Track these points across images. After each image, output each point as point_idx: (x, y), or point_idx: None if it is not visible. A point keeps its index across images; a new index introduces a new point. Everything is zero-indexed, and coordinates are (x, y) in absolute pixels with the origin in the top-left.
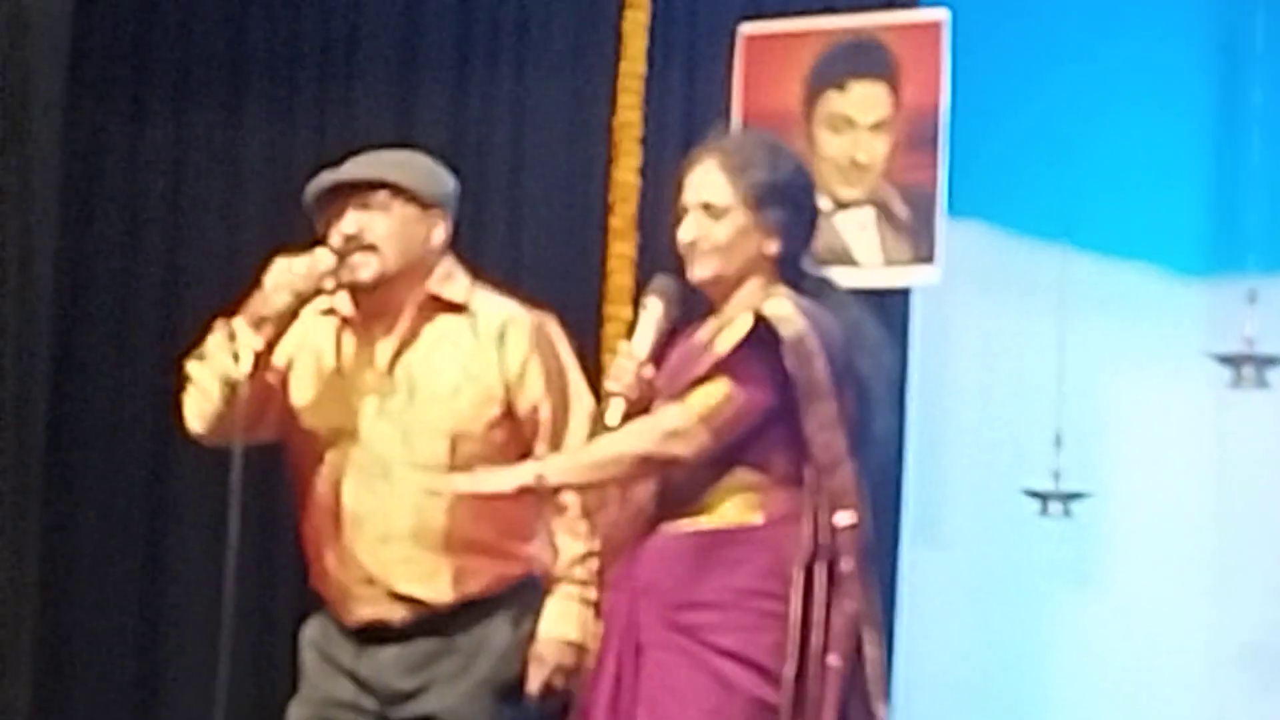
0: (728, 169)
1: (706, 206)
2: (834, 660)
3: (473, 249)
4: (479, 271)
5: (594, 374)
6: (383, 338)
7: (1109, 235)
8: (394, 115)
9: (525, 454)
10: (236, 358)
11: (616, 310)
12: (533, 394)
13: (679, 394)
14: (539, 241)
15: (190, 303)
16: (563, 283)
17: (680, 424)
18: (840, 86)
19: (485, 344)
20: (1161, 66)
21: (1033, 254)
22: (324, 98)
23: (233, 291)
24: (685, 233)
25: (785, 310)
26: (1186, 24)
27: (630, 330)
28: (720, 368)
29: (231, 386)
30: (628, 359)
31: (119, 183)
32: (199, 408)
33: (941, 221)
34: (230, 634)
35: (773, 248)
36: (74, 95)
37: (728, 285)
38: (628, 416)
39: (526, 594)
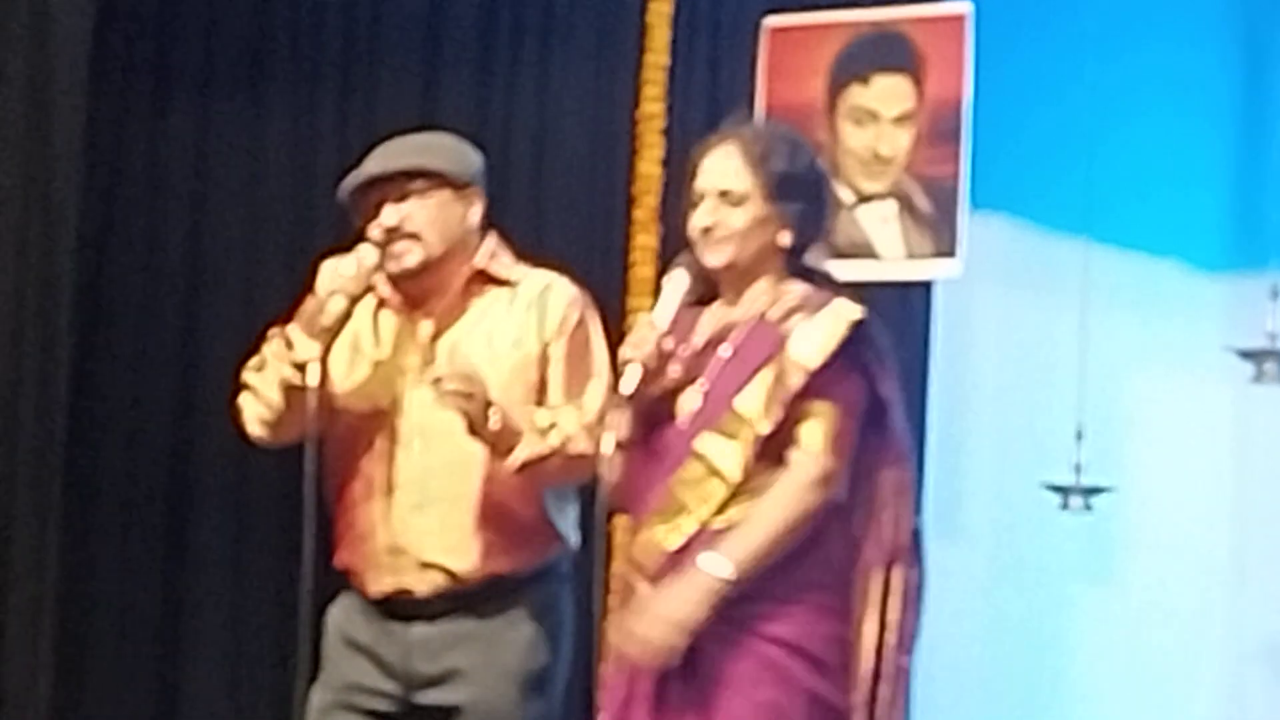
0: (747, 157)
1: (724, 193)
2: (905, 661)
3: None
4: None
5: (617, 365)
6: (426, 315)
7: (1131, 230)
8: (417, 108)
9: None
10: (298, 367)
11: (639, 302)
12: (561, 347)
13: (708, 375)
14: (562, 233)
15: (212, 295)
16: (585, 275)
17: (820, 469)
18: (863, 79)
19: (526, 309)
20: (1186, 62)
21: (1055, 248)
22: (346, 91)
23: (255, 288)
24: (700, 219)
25: (861, 313)
26: (1211, 21)
27: None
28: (820, 386)
29: (294, 392)
30: (648, 328)
31: (141, 175)
32: (258, 414)
33: (963, 215)
34: (306, 631)
35: (786, 239)
36: (96, 87)
37: (739, 274)
38: (644, 383)
39: (553, 580)
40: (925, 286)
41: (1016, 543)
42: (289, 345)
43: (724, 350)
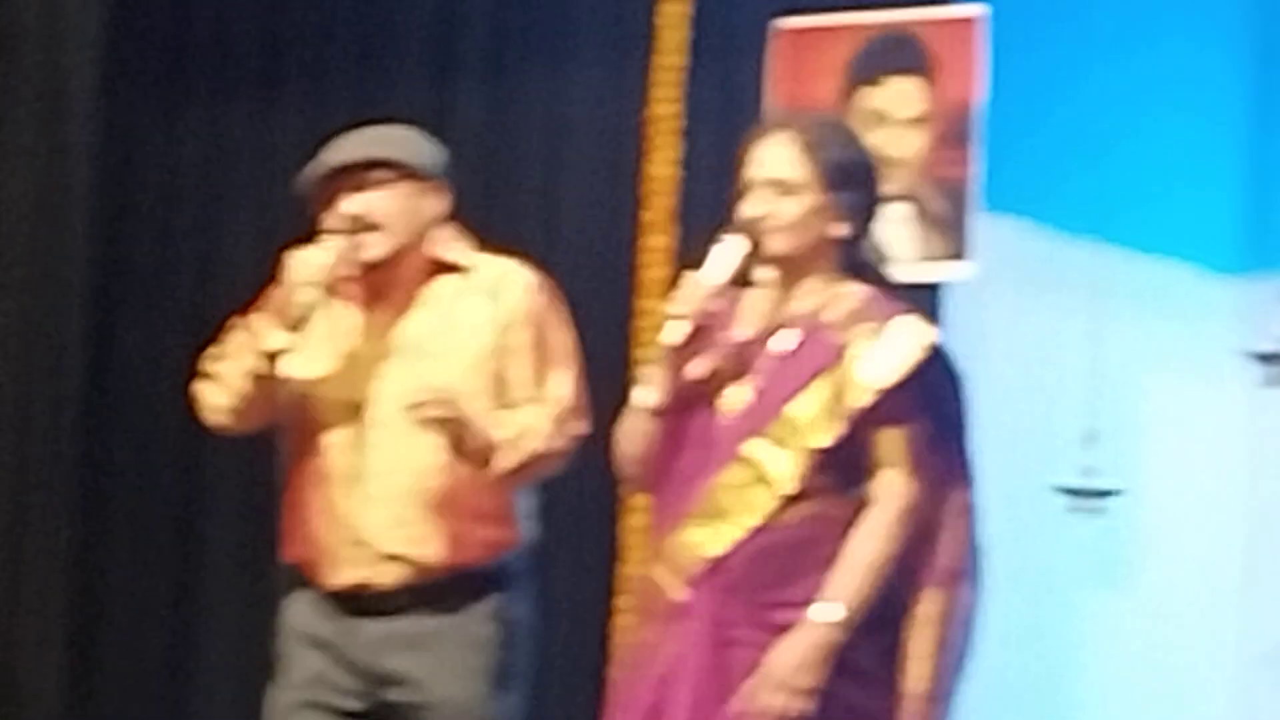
0: (801, 146)
1: (777, 182)
2: (956, 683)
3: (506, 241)
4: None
5: (626, 367)
6: (387, 308)
7: (1144, 232)
8: (429, 107)
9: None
10: (269, 357)
11: (649, 304)
12: (521, 336)
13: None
14: (573, 234)
15: (225, 292)
16: (596, 276)
17: (908, 498)
18: (876, 82)
19: (482, 297)
20: (1198, 64)
21: (1067, 250)
22: (359, 89)
23: (268, 282)
24: (752, 208)
25: (935, 335)
26: (1223, 23)
27: (661, 325)
28: (894, 409)
29: (262, 381)
30: (694, 285)
31: (154, 174)
32: (219, 402)
33: (976, 217)
34: None
35: (840, 231)
36: (110, 86)
37: (791, 264)
38: (689, 341)
39: (513, 574)
40: (937, 289)
41: (1027, 546)
42: (256, 336)
43: (777, 348)
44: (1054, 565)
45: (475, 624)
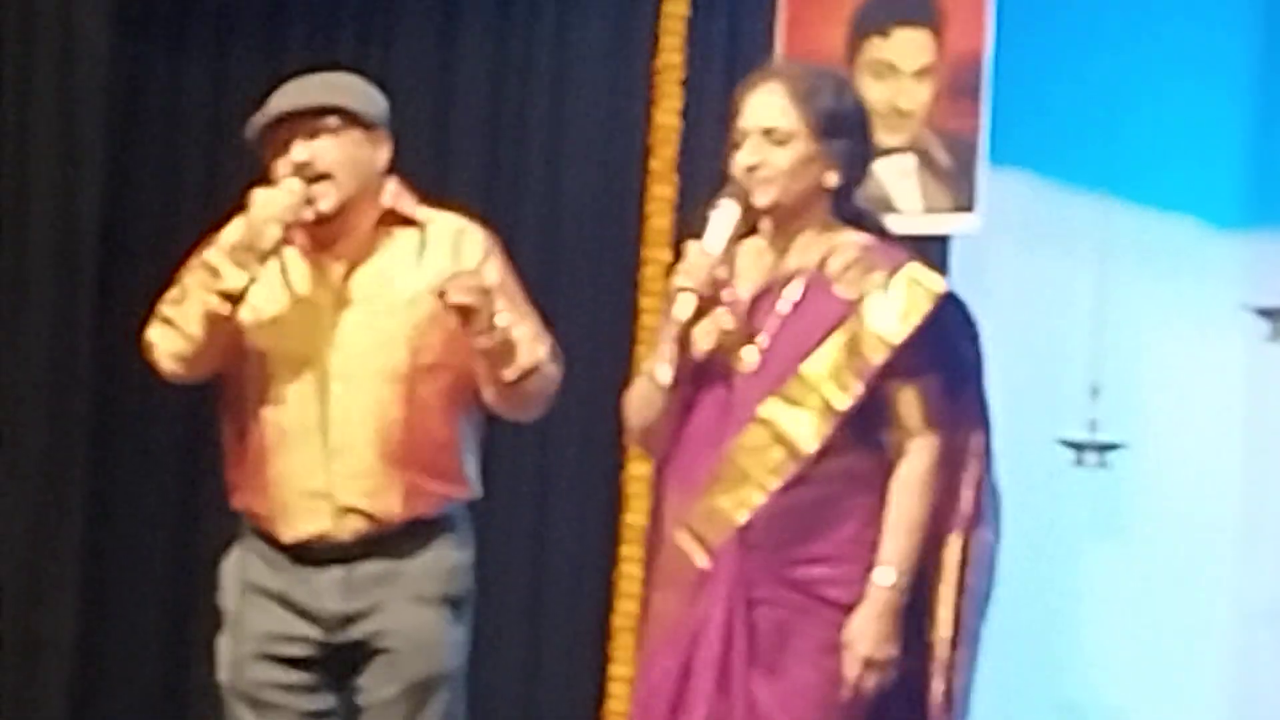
0: (793, 95)
1: (768, 131)
2: (979, 624)
3: (512, 191)
4: (519, 214)
5: (632, 314)
6: (336, 257)
7: (1149, 187)
8: (434, 57)
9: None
10: (226, 296)
11: (655, 253)
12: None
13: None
14: (578, 183)
15: None
16: (602, 225)
17: (935, 451)
18: (883, 32)
19: (440, 251)
20: (1206, 18)
21: (1072, 204)
22: (364, 39)
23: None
24: (744, 157)
25: (943, 284)
26: None
27: (667, 273)
28: (908, 362)
29: (217, 323)
30: (699, 255)
31: (161, 126)
32: (174, 349)
33: (983, 170)
34: None
35: (833, 179)
36: (117, 38)
37: (784, 214)
38: (699, 313)
39: (460, 520)
40: (942, 241)
41: (1030, 498)
42: (215, 274)
43: (782, 306)
44: (1057, 517)
45: (430, 561)
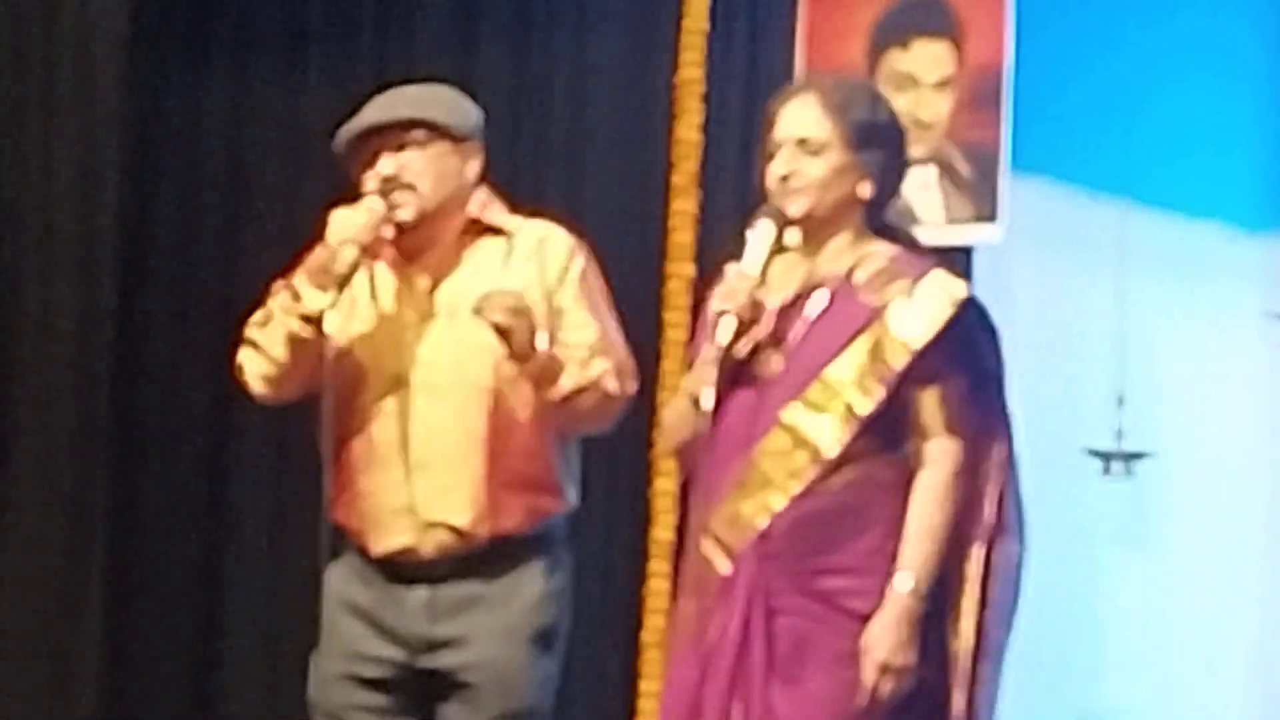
0: (826, 106)
1: (802, 142)
2: (1004, 637)
3: (534, 205)
4: None
5: (655, 330)
6: (422, 269)
7: (1171, 192)
8: (455, 70)
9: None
10: (307, 319)
11: (678, 268)
12: (569, 298)
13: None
14: (600, 199)
15: (251, 259)
16: (624, 240)
17: (957, 458)
18: (903, 44)
19: (525, 260)
20: (1225, 23)
21: (1093, 210)
22: (383, 52)
23: (294, 246)
24: (778, 168)
25: (965, 290)
26: None
27: (690, 288)
28: (930, 368)
29: (300, 345)
30: (739, 279)
31: (180, 139)
32: (261, 370)
33: (1004, 180)
34: None
35: (866, 191)
36: (136, 52)
37: (817, 224)
38: (738, 335)
39: (556, 540)
40: (965, 251)
41: (1057, 508)
42: (296, 297)
43: (808, 312)
44: (1084, 527)
45: (518, 588)
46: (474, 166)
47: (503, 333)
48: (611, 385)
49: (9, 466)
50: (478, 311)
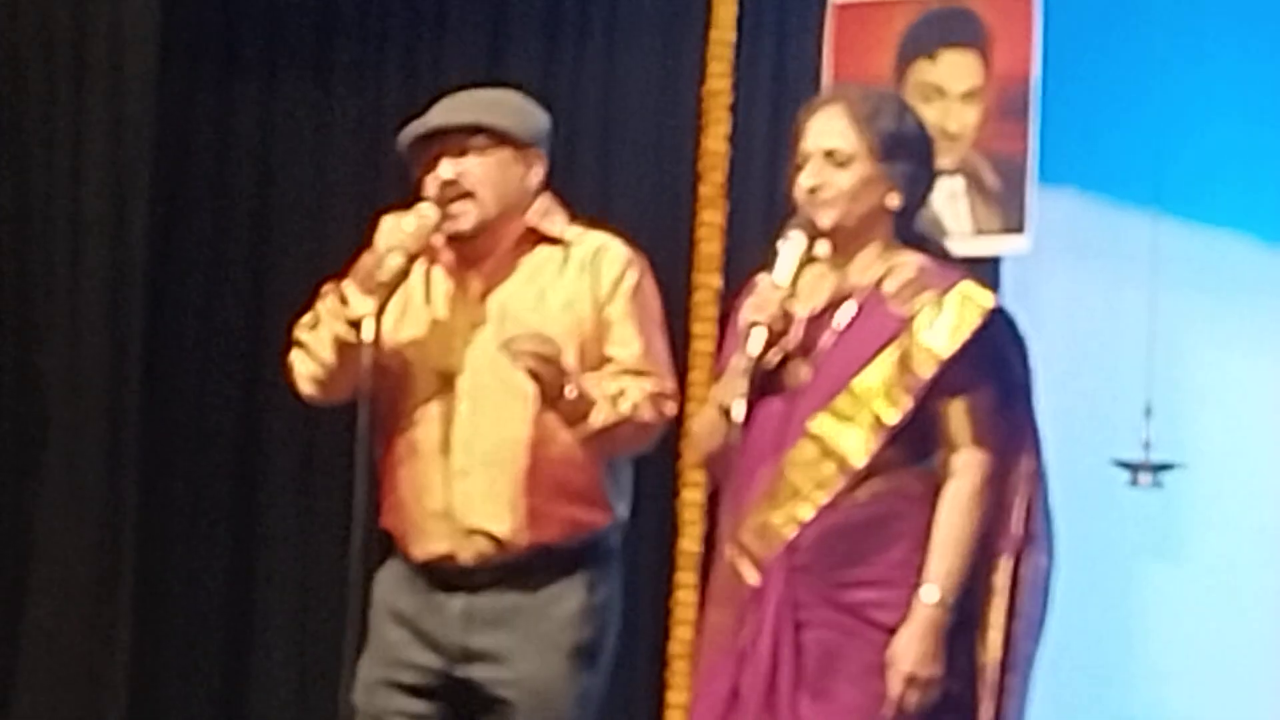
0: (854, 117)
1: (830, 153)
2: (1032, 649)
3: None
4: None
5: (683, 342)
6: (477, 275)
7: (1201, 203)
8: (483, 82)
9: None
10: (353, 324)
11: (705, 279)
12: (619, 311)
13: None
14: (628, 209)
15: (280, 265)
16: (651, 251)
17: (985, 469)
18: (931, 55)
19: (579, 270)
20: (1256, 34)
21: (1124, 222)
22: (412, 62)
23: (323, 253)
24: (806, 179)
25: (993, 299)
26: None
27: (717, 299)
28: (957, 378)
29: (347, 349)
30: (771, 289)
31: (210, 146)
32: (309, 372)
33: (1032, 191)
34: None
35: (894, 201)
36: (166, 63)
37: (847, 236)
38: (768, 345)
39: (601, 554)
40: (993, 262)
41: (1085, 519)
42: (344, 301)
43: (837, 323)
44: (1112, 539)
45: (560, 600)
46: (536, 174)
47: (533, 375)
48: (646, 415)
49: (40, 476)
50: (505, 348)
